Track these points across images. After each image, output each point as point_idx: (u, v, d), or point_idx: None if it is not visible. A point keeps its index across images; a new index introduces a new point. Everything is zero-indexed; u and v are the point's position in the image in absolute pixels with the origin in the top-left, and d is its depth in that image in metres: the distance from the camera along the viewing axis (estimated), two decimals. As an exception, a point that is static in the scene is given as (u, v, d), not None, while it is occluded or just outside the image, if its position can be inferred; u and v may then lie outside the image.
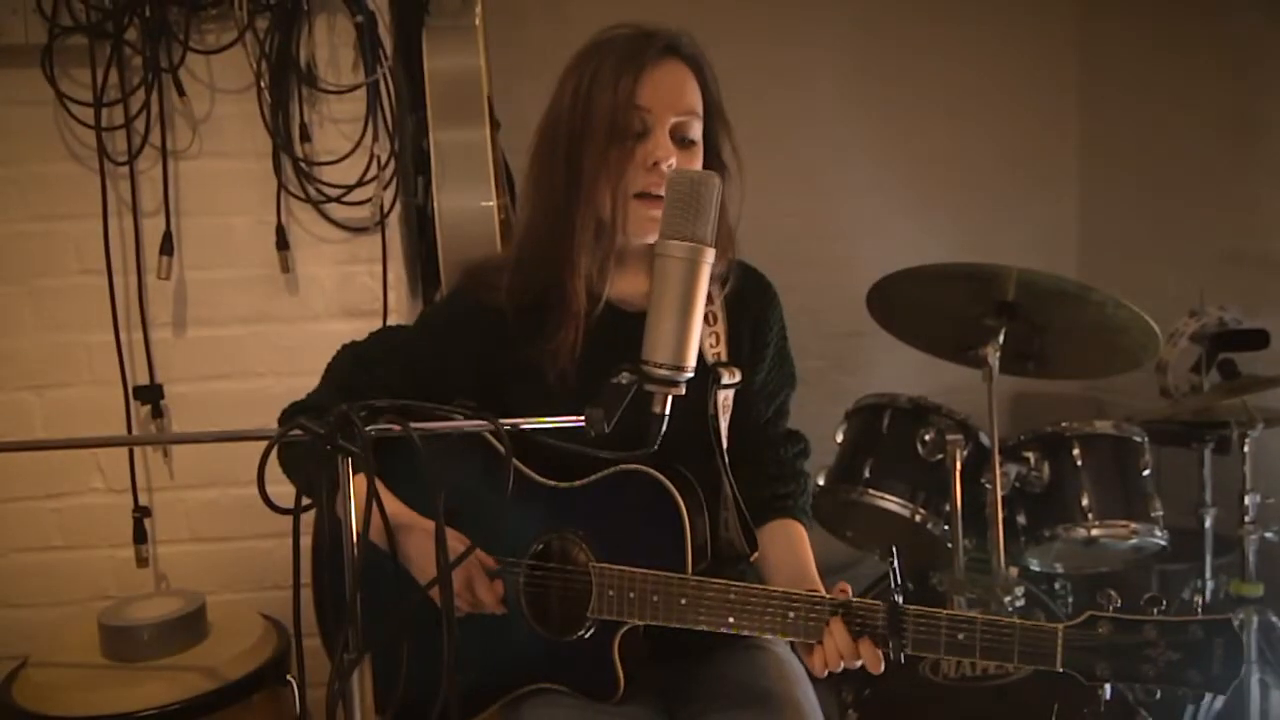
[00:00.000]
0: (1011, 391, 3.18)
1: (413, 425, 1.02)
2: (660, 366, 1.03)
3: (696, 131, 1.31)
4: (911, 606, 1.16)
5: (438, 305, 1.45)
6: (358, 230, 2.03)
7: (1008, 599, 2.01)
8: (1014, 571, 2.07)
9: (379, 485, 1.27)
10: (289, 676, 1.75)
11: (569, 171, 1.29)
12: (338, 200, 2.00)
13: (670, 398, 1.05)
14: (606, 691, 1.30)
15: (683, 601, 1.24)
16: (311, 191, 1.99)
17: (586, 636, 1.29)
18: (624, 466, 1.26)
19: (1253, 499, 2.23)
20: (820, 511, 2.39)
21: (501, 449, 1.29)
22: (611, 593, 1.26)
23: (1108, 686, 1.10)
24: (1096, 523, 2.15)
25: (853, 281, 2.15)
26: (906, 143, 3.21)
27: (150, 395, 1.99)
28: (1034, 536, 2.20)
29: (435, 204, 2.01)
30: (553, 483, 1.33)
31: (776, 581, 1.36)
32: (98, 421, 1.98)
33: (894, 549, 1.17)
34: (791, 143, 3.16)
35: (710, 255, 1.04)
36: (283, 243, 1.99)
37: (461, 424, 1.09)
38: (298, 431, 1.01)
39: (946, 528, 2.14)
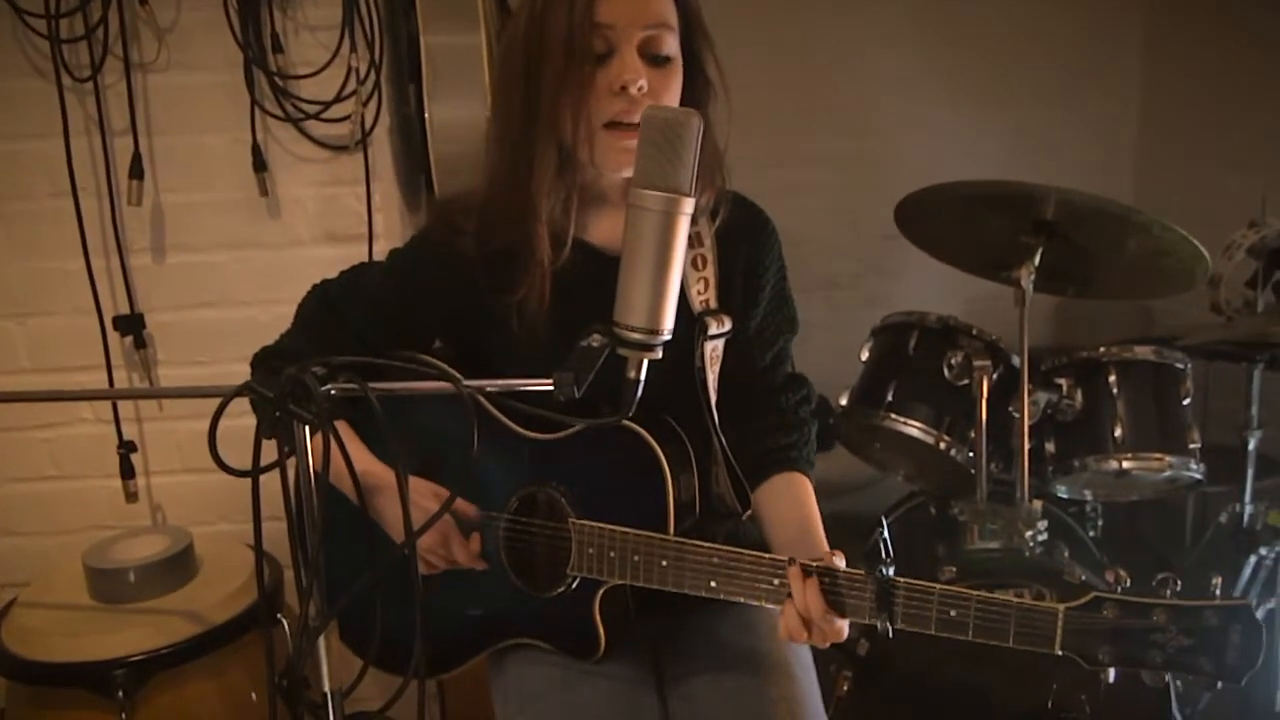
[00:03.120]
0: (1056, 301, 3.02)
1: (372, 386, 0.95)
2: (634, 330, 0.93)
3: (671, 46, 1.16)
4: (901, 579, 1.07)
5: (406, 247, 1.35)
6: (339, 149, 1.90)
7: (1029, 533, 1.91)
8: (1037, 505, 1.96)
9: (353, 441, 1.23)
10: (279, 616, 1.72)
11: (526, 104, 1.16)
12: (316, 117, 1.87)
13: (646, 362, 0.95)
14: (587, 650, 1.26)
15: (663, 563, 1.17)
16: (288, 108, 1.86)
17: (568, 593, 1.24)
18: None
19: (1300, 423, 2.09)
20: (842, 434, 2.29)
21: (483, 404, 1.24)
22: (591, 550, 1.20)
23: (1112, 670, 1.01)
24: (1128, 455, 2.01)
25: (895, 180, 1.97)
26: (956, 31, 2.98)
27: (131, 325, 1.92)
28: (1063, 466, 2.08)
29: (427, 114, 1.88)
30: (534, 434, 1.26)
31: (777, 539, 1.28)
32: (81, 351, 1.93)
33: (883, 518, 1.08)
34: (832, 32, 2.95)
35: (689, 206, 0.92)
36: (260, 163, 1.87)
37: (423, 385, 1.02)
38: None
39: (972, 455, 2.03)
